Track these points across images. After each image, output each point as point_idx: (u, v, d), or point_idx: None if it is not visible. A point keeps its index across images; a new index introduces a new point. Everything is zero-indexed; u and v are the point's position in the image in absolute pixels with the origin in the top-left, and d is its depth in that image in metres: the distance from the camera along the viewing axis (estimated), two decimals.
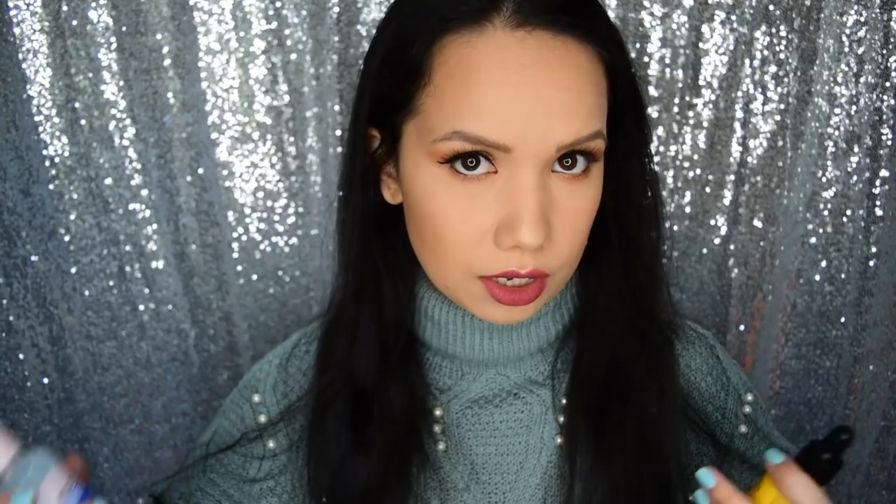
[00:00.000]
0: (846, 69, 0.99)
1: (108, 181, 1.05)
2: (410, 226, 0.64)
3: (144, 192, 1.06)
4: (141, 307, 1.10)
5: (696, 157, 1.05)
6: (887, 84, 0.98)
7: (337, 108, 1.04)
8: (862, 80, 0.99)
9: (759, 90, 1.02)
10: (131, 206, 1.06)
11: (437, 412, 0.69)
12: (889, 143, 1.00)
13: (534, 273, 0.58)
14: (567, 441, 0.67)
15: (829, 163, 1.02)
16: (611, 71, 0.60)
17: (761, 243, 1.06)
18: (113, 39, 1.01)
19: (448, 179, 0.57)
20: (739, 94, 1.02)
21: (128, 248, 1.08)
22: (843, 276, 1.04)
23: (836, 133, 1.01)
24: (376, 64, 0.62)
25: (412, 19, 0.60)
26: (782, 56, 1.00)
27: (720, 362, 0.73)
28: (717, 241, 1.07)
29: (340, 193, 0.70)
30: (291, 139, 1.06)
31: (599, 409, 0.66)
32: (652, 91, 1.03)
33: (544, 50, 0.56)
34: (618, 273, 0.67)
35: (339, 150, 1.05)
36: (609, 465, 0.65)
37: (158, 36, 1.01)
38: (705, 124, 1.04)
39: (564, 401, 0.68)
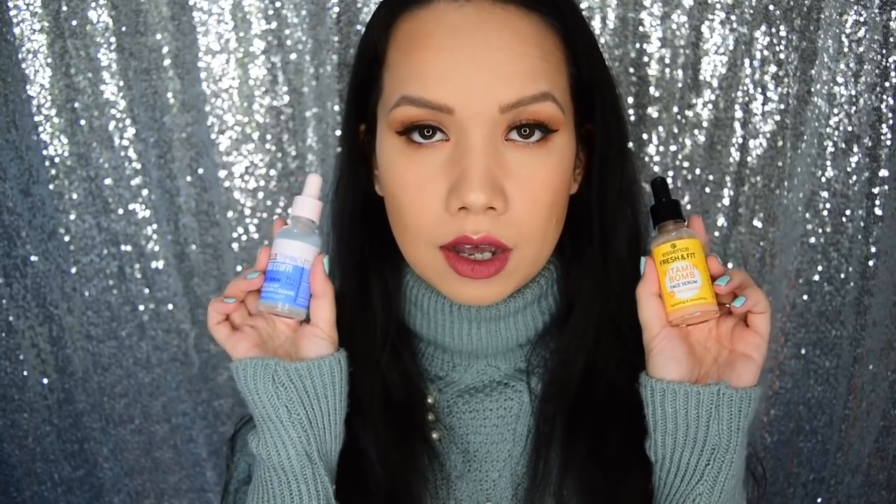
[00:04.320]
0: (846, 69, 0.99)
1: (108, 181, 1.05)
2: (386, 207, 0.65)
3: (144, 192, 1.06)
4: (141, 307, 1.10)
5: (696, 157, 1.05)
6: (887, 84, 0.98)
7: (337, 108, 1.04)
8: (861, 80, 0.99)
9: (759, 90, 1.02)
10: (131, 206, 1.06)
11: (430, 400, 0.70)
12: (888, 143, 1.00)
13: (486, 239, 0.59)
14: (543, 430, 0.67)
15: (828, 163, 1.02)
16: (567, 43, 0.62)
17: (761, 243, 1.06)
18: (113, 39, 1.01)
19: (405, 149, 0.60)
20: (739, 94, 1.02)
21: (128, 248, 1.08)
22: (842, 276, 1.05)
23: (836, 133, 1.01)
24: (355, 58, 0.67)
25: (379, 10, 0.64)
26: (782, 56, 1.00)
27: None
28: (716, 241, 1.07)
29: (334, 189, 0.71)
30: (291, 139, 1.06)
31: (578, 401, 0.67)
32: (652, 91, 1.03)
33: (482, 15, 0.58)
34: (597, 266, 0.68)
35: (339, 150, 1.05)
36: (582, 455, 0.65)
37: (158, 36, 1.01)
38: (705, 124, 1.04)
39: (549, 391, 0.68)
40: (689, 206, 1.06)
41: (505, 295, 0.64)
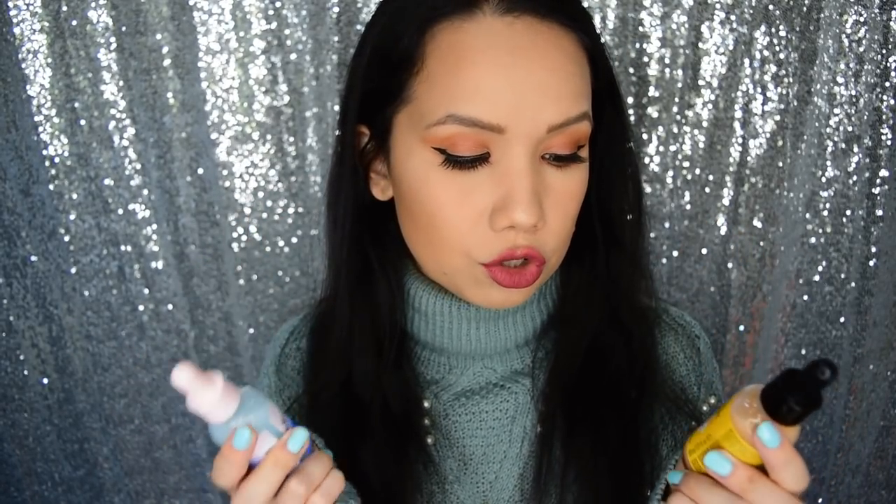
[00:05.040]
0: (846, 69, 0.99)
1: (108, 181, 1.05)
2: (403, 216, 0.64)
3: (144, 193, 1.06)
4: (141, 307, 1.10)
5: (695, 157, 1.05)
6: (887, 84, 0.98)
7: (337, 108, 1.04)
8: (862, 80, 0.99)
9: (759, 90, 1.02)
10: (131, 207, 1.06)
11: (426, 405, 0.70)
12: (889, 143, 1.00)
13: (529, 253, 0.59)
14: (544, 429, 0.67)
15: (828, 163, 1.02)
16: (591, 57, 0.62)
17: (761, 243, 1.06)
18: (113, 39, 1.01)
19: (442, 165, 0.59)
20: (739, 94, 1.02)
21: (128, 248, 1.08)
22: (842, 276, 1.04)
23: (836, 133, 1.01)
24: (365, 60, 0.64)
25: (402, 13, 0.61)
26: (782, 56, 1.00)
27: (699, 354, 0.73)
28: (716, 241, 1.07)
29: (328, 193, 0.70)
30: (291, 139, 1.06)
31: (577, 398, 0.67)
32: (652, 91, 1.03)
33: (532, 33, 0.57)
34: (600, 264, 0.68)
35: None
36: (584, 452, 0.65)
37: (158, 36, 1.01)
38: (705, 124, 1.04)
39: (548, 389, 0.68)
40: (689, 207, 1.06)
41: (529, 297, 0.64)
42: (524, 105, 0.56)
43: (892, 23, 0.96)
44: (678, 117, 1.04)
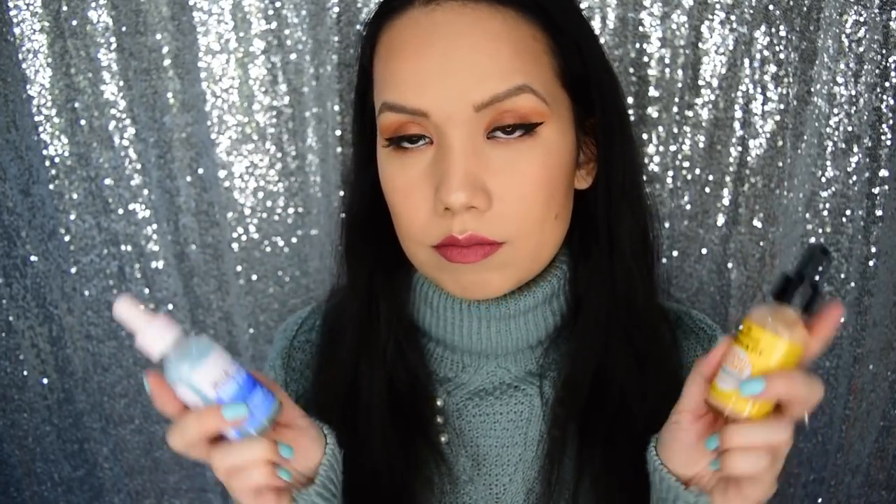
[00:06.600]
0: (846, 69, 0.99)
1: (108, 181, 1.05)
2: None
3: (144, 192, 1.06)
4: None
5: (695, 157, 1.05)
6: (887, 84, 0.98)
7: (337, 108, 1.04)
8: (861, 80, 0.99)
9: (759, 90, 1.02)
10: (131, 206, 1.06)
11: (439, 403, 0.69)
12: (888, 143, 1.00)
13: (473, 238, 0.59)
14: (558, 434, 0.67)
15: (828, 163, 1.02)
16: (550, 34, 0.61)
17: (761, 243, 1.06)
18: (113, 39, 1.01)
19: (394, 154, 0.61)
20: (739, 94, 1.02)
21: (128, 248, 1.08)
22: (842, 276, 1.04)
23: (836, 133, 1.01)
24: (358, 67, 0.69)
25: (367, 23, 0.66)
26: (782, 56, 1.00)
27: None
28: (716, 241, 1.07)
29: (344, 181, 0.72)
30: (291, 139, 1.06)
31: (591, 403, 0.67)
32: (652, 91, 1.03)
33: (451, 16, 0.59)
34: (604, 266, 0.67)
35: (339, 150, 1.05)
36: (597, 459, 0.65)
37: (158, 36, 1.01)
38: (705, 124, 1.04)
39: (562, 393, 0.68)
40: (688, 207, 1.06)
41: (507, 287, 0.63)
42: (443, 88, 0.57)
43: (892, 23, 0.96)
44: (678, 117, 1.04)
